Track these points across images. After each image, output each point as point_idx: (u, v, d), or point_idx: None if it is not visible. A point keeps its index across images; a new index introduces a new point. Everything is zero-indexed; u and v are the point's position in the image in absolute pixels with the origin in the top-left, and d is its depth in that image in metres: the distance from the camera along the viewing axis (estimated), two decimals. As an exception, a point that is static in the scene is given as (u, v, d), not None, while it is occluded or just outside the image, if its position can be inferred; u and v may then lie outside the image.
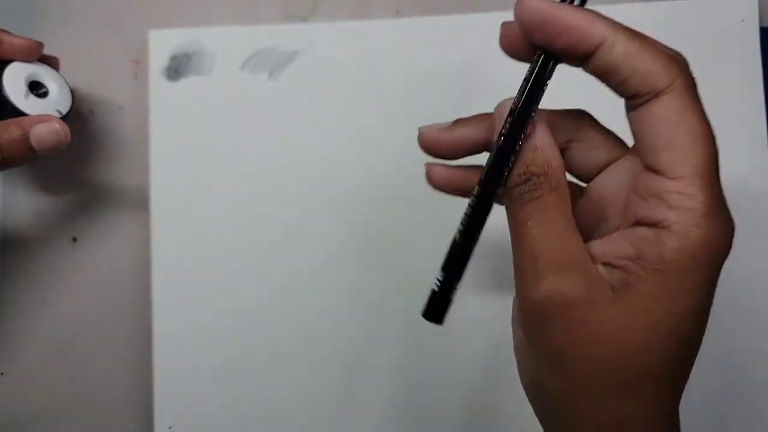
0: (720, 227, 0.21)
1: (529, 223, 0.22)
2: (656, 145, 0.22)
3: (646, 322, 0.21)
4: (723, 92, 0.38)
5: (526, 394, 0.25)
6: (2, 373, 0.41)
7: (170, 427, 0.39)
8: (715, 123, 0.39)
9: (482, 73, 0.40)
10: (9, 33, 0.35)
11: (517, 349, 0.25)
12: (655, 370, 0.22)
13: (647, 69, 0.22)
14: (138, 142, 0.41)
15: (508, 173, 0.23)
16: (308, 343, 0.39)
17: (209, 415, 0.39)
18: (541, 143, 0.23)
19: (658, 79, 0.22)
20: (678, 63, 0.22)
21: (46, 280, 0.41)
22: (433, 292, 0.24)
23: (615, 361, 0.22)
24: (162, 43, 0.41)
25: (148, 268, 0.40)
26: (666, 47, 0.23)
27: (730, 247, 0.22)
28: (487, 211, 0.24)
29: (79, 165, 0.41)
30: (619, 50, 0.22)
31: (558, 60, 0.23)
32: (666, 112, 0.22)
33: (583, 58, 0.23)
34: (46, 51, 0.37)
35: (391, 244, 0.39)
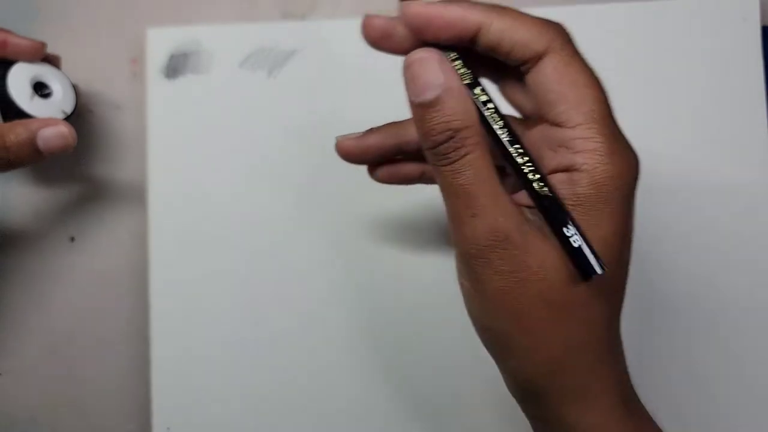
0: (622, 160, 0.24)
1: (460, 179, 0.24)
2: (550, 101, 0.24)
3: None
4: (723, 92, 0.38)
5: (482, 341, 0.26)
6: (1, 374, 0.41)
7: (168, 428, 0.39)
8: (715, 123, 0.39)
9: (482, 72, 0.39)
10: (13, 33, 0.35)
11: (466, 300, 0.26)
12: (590, 293, 0.24)
13: (524, 37, 0.24)
14: (136, 140, 0.41)
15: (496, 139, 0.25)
16: (309, 342, 0.39)
17: (208, 415, 0.39)
18: (457, 92, 0.25)
19: (537, 43, 0.24)
20: (552, 27, 0.25)
21: (44, 279, 0.41)
22: (579, 247, 0.23)
23: (552, 293, 0.24)
24: (160, 42, 0.40)
25: (146, 268, 0.40)
26: (540, 18, 0.25)
27: (636, 176, 0.24)
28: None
29: (77, 164, 0.41)
30: (496, 28, 0.24)
31: (454, 49, 0.25)
32: (550, 70, 0.24)
33: (469, 42, 0.25)
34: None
35: (393, 241, 0.39)
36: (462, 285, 0.26)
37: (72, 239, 0.41)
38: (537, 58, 0.24)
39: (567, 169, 0.24)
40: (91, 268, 0.41)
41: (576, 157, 0.24)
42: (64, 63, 0.38)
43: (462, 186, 0.24)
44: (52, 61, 0.37)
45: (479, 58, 0.26)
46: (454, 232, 0.25)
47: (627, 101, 0.38)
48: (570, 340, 0.24)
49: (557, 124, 0.24)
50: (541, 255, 0.24)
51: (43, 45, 0.36)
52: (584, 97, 0.24)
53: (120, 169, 0.41)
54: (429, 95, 0.25)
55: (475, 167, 0.24)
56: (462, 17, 0.25)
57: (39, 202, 0.41)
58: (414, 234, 0.39)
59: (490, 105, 0.25)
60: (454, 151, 0.24)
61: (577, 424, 0.25)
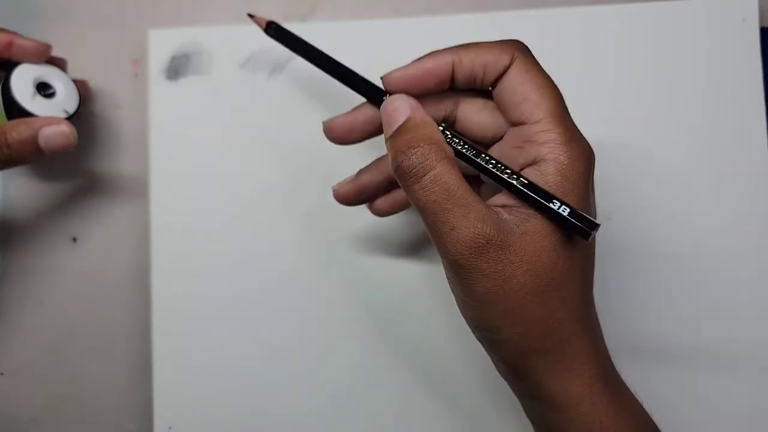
0: (579, 148, 0.27)
1: (432, 196, 0.26)
2: (514, 102, 0.28)
3: (549, 240, 0.27)
4: (723, 92, 0.38)
5: (474, 335, 0.29)
6: (1, 373, 0.41)
7: (170, 428, 0.39)
8: (715, 123, 0.39)
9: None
10: (19, 35, 0.35)
11: (458, 302, 0.28)
12: (569, 272, 0.27)
13: (491, 58, 0.28)
14: (137, 140, 0.41)
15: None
16: (309, 342, 0.39)
17: (209, 415, 0.39)
18: (420, 120, 0.28)
19: (503, 58, 0.28)
20: (512, 43, 0.28)
21: (45, 279, 0.41)
22: (571, 211, 0.26)
23: (536, 281, 0.26)
24: (162, 43, 0.41)
25: (148, 268, 0.40)
26: (498, 40, 0.29)
27: (592, 163, 0.28)
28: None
29: (79, 164, 0.41)
30: (467, 60, 0.28)
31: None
32: (514, 75, 0.28)
33: (450, 82, 0.29)
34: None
35: (393, 243, 0.39)
36: (453, 290, 0.28)
37: (74, 239, 0.41)
38: (504, 71, 0.28)
39: (534, 161, 0.27)
40: (92, 267, 0.41)
41: (540, 149, 0.27)
42: (68, 63, 0.38)
43: (435, 202, 0.26)
44: (58, 63, 0.38)
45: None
46: (437, 246, 0.27)
47: (626, 102, 0.39)
48: (554, 321, 0.27)
49: (522, 122, 0.28)
50: (521, 249, 0.26)
51: (48, 47, 0.36)
52: (543, 97, 0.27)
53: (122, 170, 0.41)
54: (396, 126, 0.28)
55: (442, 182, 0.26)
56: (436, 64, 0.29)
57: (41, 202, 0.41)
58: (417, 233, 0.39)
59: (454, 134, 0.29)
60: (420, 167, 0.26)
61: (563, 397, 0.27)
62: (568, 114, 0.28)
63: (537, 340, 0.27)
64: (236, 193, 0.40)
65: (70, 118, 0.36)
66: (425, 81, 0.29)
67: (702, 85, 0.38)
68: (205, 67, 0.41)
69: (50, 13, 0.42)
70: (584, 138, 0.28)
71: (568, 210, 0.26)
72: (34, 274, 0.41)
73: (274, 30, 0.34)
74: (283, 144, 0.40)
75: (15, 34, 0.35)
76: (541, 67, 0.28)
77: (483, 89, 0.30)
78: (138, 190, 0.41)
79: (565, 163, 0.27)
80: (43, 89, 0.36)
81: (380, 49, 0.40)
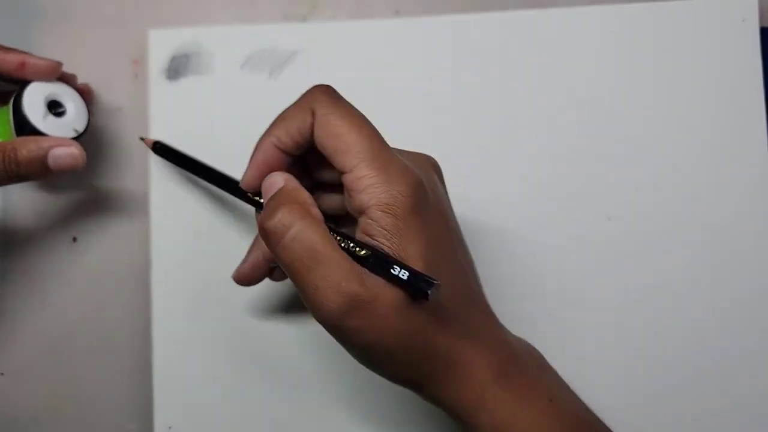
0: (399, 181, 0.27)
1: (292, 255, 0.26)
2: (329, 155, 0.28)
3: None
4: (723, 92, 0.38)
5: (364, 366, 0.30)
6: (2, 374, 0.41)
7: (170, 427, 0.39)
8: (715, 123, 0.39)
9: (482, 72, 0.40)
10: (31, 55, 0.36)
11: (343, 347, 0.29)
12: (439, 302, 0.28)
13: (297, 123, 0.29)
14: (138, 141, 0.41)
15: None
16: (310, 343, 0.39)
17: (209, 415, 0.39)
18: (291, 187, 0.29)
19: (305, 120, 0.29)
20: (309, 97, 0.29)
21: (45, 280, 0.41)
22: (408, 277, 0.26)
23: (409, 323, 0.27)
24: (162, 43, 0.41)
25: (148, 268, 0.40)
26: (298, 98, 0.30)
27: (422, 187, 0.28)
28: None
29: (78, 165, 0.41)
30: (283, 136, 0.30)
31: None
32: (319, 132, 0.28)
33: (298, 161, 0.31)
34: (46, 51, 0.37)
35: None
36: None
37: (74, 240, 0.41)
38: (312, 128, 0.29)
39: (361, 210, 0.27)
40: (92, 268, 0.41)
41: (362, 196, 0.27)
42: (66, 64, 0.38)
43: (297, 260, 0.26)
44: (67, 78, 0.38)
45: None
46: (308, 306, 0.27)
47: (626, 102, 0.39)
48: (433, 352, 0.28)
49: (343, 173, 0.28)
50: (388, 296, 0.26)
51: (59, 64, 0.36)
52: (350, 144, 0.27)
53: (122, 170, 0.41)
54: (268, 195, 0.29)
55: (302, 239, 0.26)
56: (264, 154, 0.30)
57: (41, 203, 0.41)
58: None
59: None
60: (281, 226, 0.27)
61: (461, 408, 0.29)
62: (382, 147, 0.28)
63: (421, 370, 0.29)
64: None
65: (80, 137, 0.36)
66: (268, 169, 0.30)
67: (702, 85, 0.38)
68: (206, 67, 0.41)
69: (50, 13, 0.42)
70: (405, 166, 0.28)
71: (406, 273, 0.26)
72: (34, 274, 0.41)
73: (159, 149, 0.38)
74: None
75: (26, 54, 0.36)
76: (345, 108, 0.28)
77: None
78: (138, 189, 0.41)
79: (389, 203, 0.27)
80: (54, 107, 0.36)
81: (380, 50, 0.40)
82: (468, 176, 0.39)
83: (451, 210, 0.32)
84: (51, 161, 0.34)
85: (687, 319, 0.38)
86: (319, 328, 0.39)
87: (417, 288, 0.26)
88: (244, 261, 0.34)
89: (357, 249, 0.27)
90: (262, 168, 0.30)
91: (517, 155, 0.39)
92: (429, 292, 0.26)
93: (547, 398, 0.31)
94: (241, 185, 0.32)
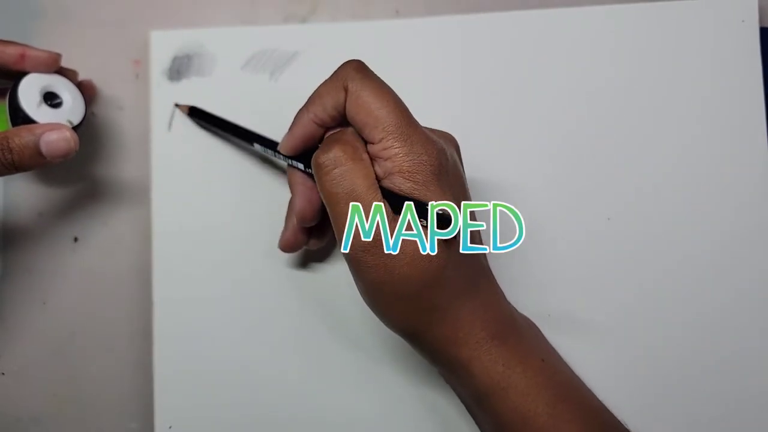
0: (424, 151, 0.30)
1: (336, 188, 0.30)
2: (359, 128, 0.31)
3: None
4: (723, 92, 0.38)
5: (368, 306, 0.32)
6: (3, 373, 0.41)
7: (170, 427, 0.39)
8: (715, 123, 0.39)
9: (482, 73, 0.40)
10: (30, 47, 0.36)
11: (354, 280, 0.32)
12: (446, 257, 0.30)
13: (332, 98, 0.31)
14: (139, 141, 0.41)
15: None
16: (310, 343, 0.39)
17: (209, 415, 0.39)
18: (349, 131, 0.31)
19: (338, 95, 0.31)
20: (342, 73, 0.31)
21: (47, 279, 0.41)
22: (442, 213, 0.29)
23: (415, 270, 0.29)
24: (163, 44, 0.41)
25: (149, 268, 0.40)
26: (331, 75, 0.32)
27: (443, 158, 0.30)
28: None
29: (80, 165, 0.41)
30: (320, 112, 0.32)
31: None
32: (350, 108, 0.31)
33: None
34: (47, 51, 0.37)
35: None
36: (351, 273, 0.32)
37: (75, 239, 0.41)
38: (345, 103, 0.31)
39: (385, 175, 0.30)
40: (94, 267, 0.41)
41: (387, 164, 0.30)
42: (68, 65, 0.38)
43: (337, 194, 0.30)
44: (68, 75, 0.38)
45: None
46: (336, 236, 0.30)
47: (626, 102, 0.39)
48: (433, 303, 0.30)
49: (370, 143, 0.30)
50: (405, 245, 0.29)
51: (58, 56, 0.37)
52: (378, 119, 0.30)
53: (123, 170, 0.42)
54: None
55: (348, 178, 0.30)
56: (303, 129, 0.33)
57: (42, 202, 0.41)
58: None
59: None
60: (332, 162, 0.30)
61: (455, 362, 0.32)
62: (408, 121, 0.30)
63: (420, 319, 0.31)
64: (237, 192, 0.40)
65: (75, 129, 0.36)
66: (307, 140, 0.33)
67: (702, 86, 0.38)
68: (207, 68, 0.41)
69: (50, 13, 0.42)
70: (429, 139, 0.30)
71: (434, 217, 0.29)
72: (35, 274, 0.41)
73: (195, 112, 0.40)
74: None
75: (25, 46, 0.36)
76: (375, 83, 0.31)
77: None
78: (139, 190, 0.41)
79: (411, 171, 0.29)
80: (50, 99, 0.36)
81: (380, 50, 0.40)
82: (467, 177, 0.39)
83: (467, 184, 0.33)
84: (44, 147, 0.34)
85: (687, 319, 0.38)
86: (320, 331, 0.40)
87: (447, 221, 0.28)
88: (285, 230, 0.36)
89: (396, 190, 0.30)
90: (301, 140, 0.33)
91: (517, 156, 0.39)
92: (451, 230, 0.28)
93: (540, 358, 0.33)
94: (279, 148, 0.35)
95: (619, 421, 0.35)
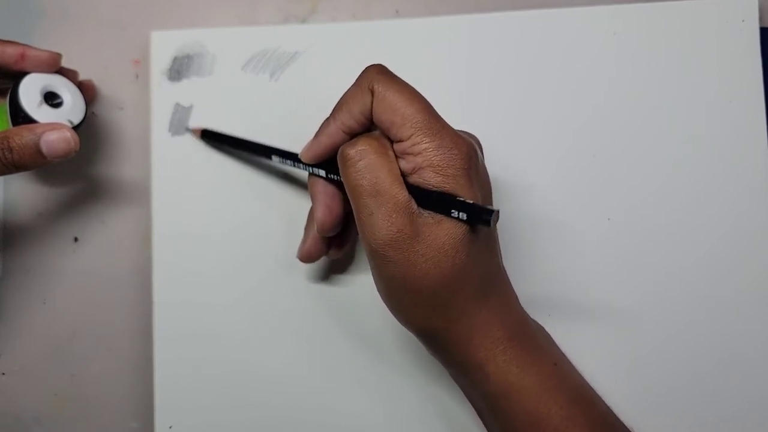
0: (453, 146, 0.30)
1: (361, 180, 0.30)
2: (386, 128, 0.31)
3: (456, 232, 0.29)
4: (723, 92, 0.38)
5: (385, 303, 0.32)
6: (3, 373, 0.41)
7: (171, 427, 0.39)
8: (715, 123, 0.39)
9: (483, 73, 0.40)
10: (31, 47, 0.36)
11: (373, 276, 0.32)
12: (468, 256, 0.30)
13: (359, 105, 0.31)
14: (139, 141, 0.41)
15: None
16: (310, 343, 0.39)
17: (209, 415, 0.39)
18: (377, 133, 0.32)
19: (365, 100, 0.31)
20: (367, 77, 0.31)
21: (47, 279, 0.41)
22: (473, 203, 0.29)
23: (438, 267, 0.29)
24: (164, 44, 0.41)
25: (149, 268, 0.40)
26: (356, 81, 0.32)
27: (471, 154, 0.30)
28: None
29: (80, 165, 0.41)
30: (347, 120, 0.32)
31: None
32: (377, 109, 0.31)
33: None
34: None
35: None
36: (370, 265, 0.31)
37: (75, 239, 0.42)
38: (372, 106, 0.31)
39: (414, 170, 0.30)
40: (94, 267, 0.41)
41: (417, 159, 0.30)
42: (68, 65, 0.38)
43: (361, 187, 0.30)
44: (69, 75, 0.38)
45: None
46: (358, 229, 0.30)
47: (626, 102, 0.39)
48: (453, 300, 0.30)
49: (398, 141, 0.30)
50: (430, 239, 0.29)
51: (59, 55, 0.37)
52: (406, 117, 0.30)
53: (123, 170, 0.42)
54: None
55: (373, 170, 0.30)
56: (330, 138, 0.33)
57: (43, 202, 0.42)
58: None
59: None
60: (358, 154, 0.30)
61: (470, 363, 0.32)
62: (436, 118, 0.30)
63: (438, 317, 0.31)
64: (239, 192, 0.40)
65: (75, 129, 0.36)
66: (334, 150, 0.33)
67: (702, 85, 0.38)
68: (207, 68, 0.41)
69: (50, 13, 0.42)
70: (458, 134, 0.30)
71: (466, 216, 0.29)
72: (35, 274, 0.41)
73: (207, 135, 0.40)
74: (285, 145, 0.40)
75: (26, 45, 0.36)
76: (399, 83, 0.31)
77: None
78: (139, 190, 0.41)
79: (441, 165, 0.29)
80: (51, 99, 0.37)
81: (380, 50, 0.40)
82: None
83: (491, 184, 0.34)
84: (44, 147, 0.34)
85: (688, 319, 0.38)
86: (321, 331, 0.40)
87: (479, 215, 0.28)
88: (304, 240, 0.36)
89: (426, 184, 0.30)
90: (326, 148, 0.33)
91: (517, 157, 0.39)
92: (490, 218, 0.28)
93: (552, 362, 0.33)
94: (301, 156, 0.34)
95: (625, 426, 0.35)
